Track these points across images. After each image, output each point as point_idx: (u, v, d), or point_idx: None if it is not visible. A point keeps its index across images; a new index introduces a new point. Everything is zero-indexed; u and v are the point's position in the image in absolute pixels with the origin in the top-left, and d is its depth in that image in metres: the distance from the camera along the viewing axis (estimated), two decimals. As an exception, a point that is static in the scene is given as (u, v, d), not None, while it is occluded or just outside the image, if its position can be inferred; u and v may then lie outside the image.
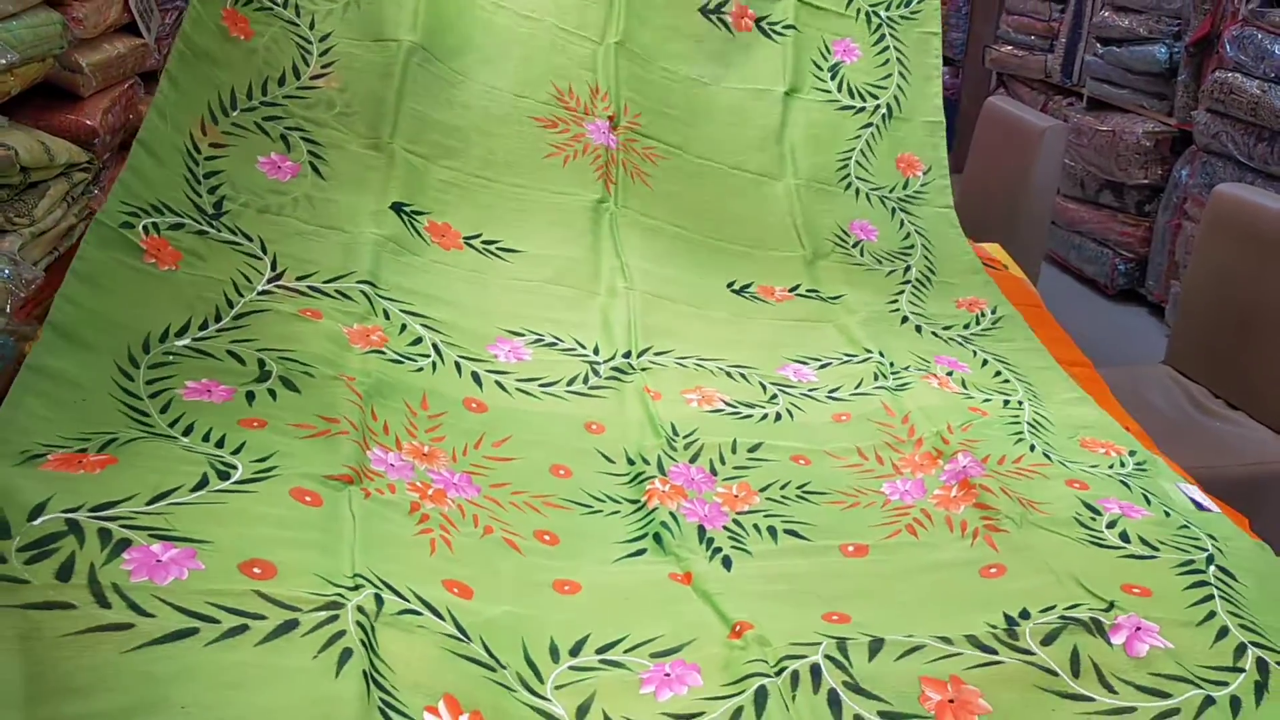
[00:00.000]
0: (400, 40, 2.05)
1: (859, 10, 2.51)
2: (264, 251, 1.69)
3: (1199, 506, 1.52)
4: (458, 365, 1.68)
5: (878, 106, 2.46)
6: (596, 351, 1.81)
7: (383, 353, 1.62)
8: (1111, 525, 1.43)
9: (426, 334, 1.71)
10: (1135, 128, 4.00)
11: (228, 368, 1.46)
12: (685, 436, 1.64)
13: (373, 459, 1.37)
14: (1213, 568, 1.33)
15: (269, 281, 1.65)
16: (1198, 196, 3.61)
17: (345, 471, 1.30)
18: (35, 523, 1.05)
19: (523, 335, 1.80)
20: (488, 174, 2.05)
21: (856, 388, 1.85)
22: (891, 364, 1.91)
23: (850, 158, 2.40)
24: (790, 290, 2.13)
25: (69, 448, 1.21)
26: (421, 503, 1.34)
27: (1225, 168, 3.53)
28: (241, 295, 1.60)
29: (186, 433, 1.30)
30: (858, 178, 2.38)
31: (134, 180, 1.62)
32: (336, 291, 1.69)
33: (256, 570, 1.07)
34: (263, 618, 1.01)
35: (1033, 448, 1.65)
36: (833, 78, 2.46)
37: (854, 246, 2.27)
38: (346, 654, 0.99)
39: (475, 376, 1.67)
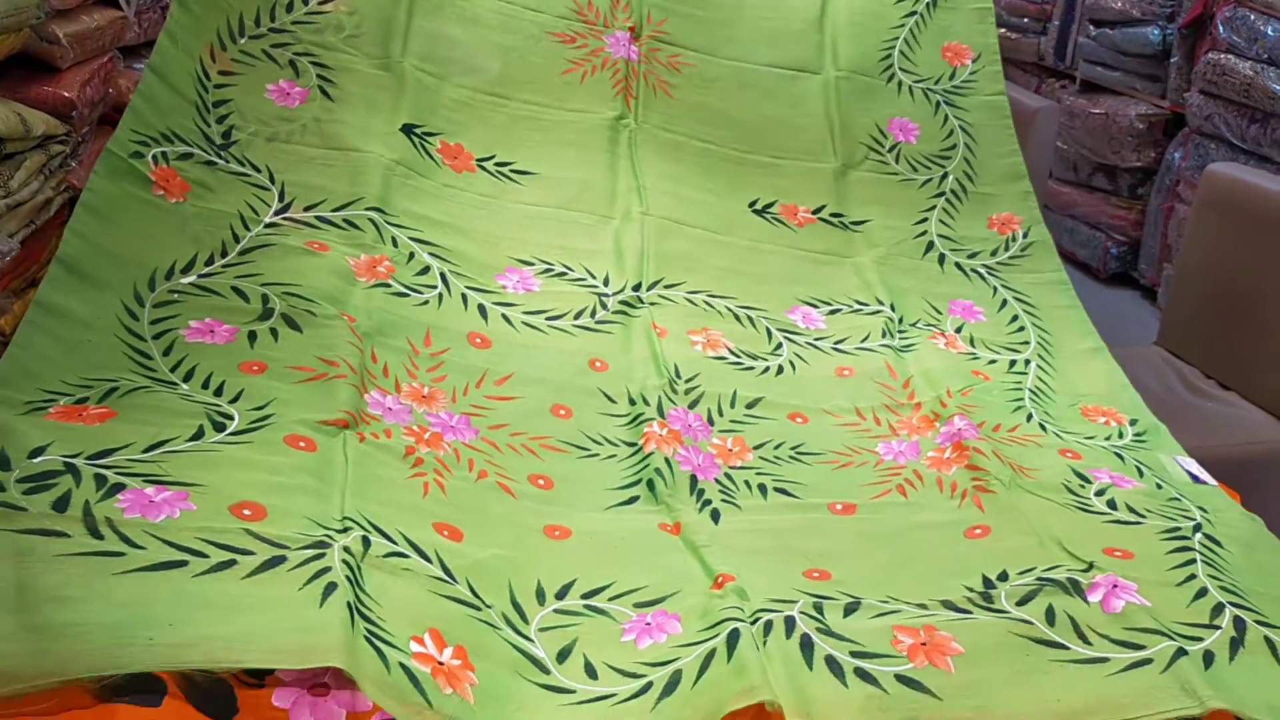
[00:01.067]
0: None
1: None
2: (272, 182, 1.68)
3: (1195, 479, 1.51)
4: (464, 297, 1.67)
5: None
6: (606, 282, 1.79)
7: (388, 285, 1.61)
8: (1100, 493, 1.42)
9: (435, 263, 1.70)
10: (1128, 110, 3.98)
11: (232, 305, 1.46)
12: (687, 380, 1.63)
13: (370, 402, 1.38)
14: (1199, 535, 1.32)
15: (276, 214, 1.64)
16: (1190, 179, 3.60)
17: (341, 416, 1.31)
18: (35, 460, 1.08)
19: (533, 264, 1.78)
20: (503, 91, 2.00)
21: (863, 341, 1.83)
22: (900, 319, 1.89)
23: (894, 47, 2.28)
24: (814, 212, 2.05)
25: (71, 396, 1.23)
26: (417, 447, 1.34)
27: (1218, 150, 3.52)
28: (249, 229, 1.59)
29: (187, 378, 1.31)
30: (901, 69, 2.27)
31: (145, 106, 1.62)
32: (344, 221, 1.68)
33: (247, 512, 1.09)
34: (251, 553, 1.03)
35: (1029, 417, 1.64)
36: None
37: (890, 150, 2.17)
38: (331, 587, 1.00)
39: (481, 309, 1.66)
